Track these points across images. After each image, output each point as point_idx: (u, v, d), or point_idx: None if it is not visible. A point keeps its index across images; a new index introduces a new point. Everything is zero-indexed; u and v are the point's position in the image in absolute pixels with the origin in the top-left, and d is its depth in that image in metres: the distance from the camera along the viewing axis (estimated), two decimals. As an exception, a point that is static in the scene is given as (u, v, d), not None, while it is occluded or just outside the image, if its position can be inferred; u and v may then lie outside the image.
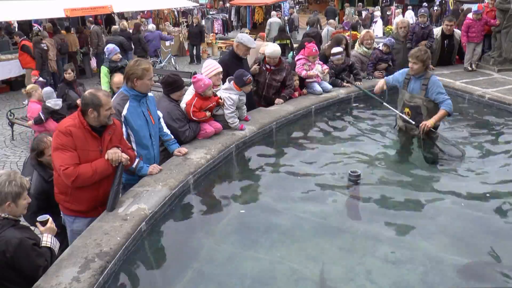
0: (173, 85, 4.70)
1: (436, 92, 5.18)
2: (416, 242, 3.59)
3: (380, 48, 7.52)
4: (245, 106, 5.41)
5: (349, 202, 4.25)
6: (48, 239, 2.98)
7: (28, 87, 7.88)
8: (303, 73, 6.55)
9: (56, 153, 3.33)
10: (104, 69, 7.49)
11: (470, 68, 8.25)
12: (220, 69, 5.19)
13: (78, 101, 7.44)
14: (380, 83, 5.79)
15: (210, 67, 5.17)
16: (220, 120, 5.11)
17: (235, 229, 3.79)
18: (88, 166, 3.36)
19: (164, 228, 3.63)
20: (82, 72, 14.57)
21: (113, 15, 17.12)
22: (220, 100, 4.98)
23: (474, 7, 8.49)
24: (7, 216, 2.91)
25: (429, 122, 5.06)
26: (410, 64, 5.18)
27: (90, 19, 14.99)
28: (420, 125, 5.07)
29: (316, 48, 6.62)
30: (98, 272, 2.81)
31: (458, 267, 3.29)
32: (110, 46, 8.03)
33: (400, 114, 5.44)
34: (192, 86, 4.99)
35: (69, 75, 7.71)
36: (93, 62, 14.67)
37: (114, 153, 3.48)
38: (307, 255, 3.46)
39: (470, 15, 8.31)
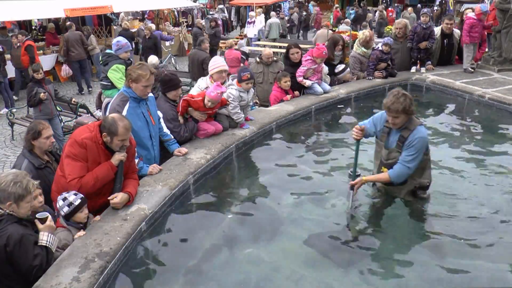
0: (168, 83, 4.69)
1: (410, 148, 3.73)
2: (416, 242, 3.59)
3: (380, 48, 7.54)
4: (249, 108, 5.43)
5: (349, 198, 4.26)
6: (44, 238, 2.96)
7: None
8: (299, 79, 6.50)
9: (67, 160, 3.40)
10: (121, 67, 6.55)
11: (471, 70, 8.11)
12: (225, 67, 5.17)
13: (42, 95, 7.46)
14: (356, 131, 4.01)
15: (215, 63, 5.19)
16: (220, 120, 5.11)
17: (235, 229, 3.78)
18: (89, 175, 3.39)
19: (164, 228, 3.63)
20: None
21: (110, 15, 17.11)
22: (227, 102, 5.02)
23: (483, 7, 8.16)
24: (12, 212, 2.92)
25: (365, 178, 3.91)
26: (390, 119, 3.77)
27: (69, 22, 13.19)
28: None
29: (327, 51, 6.48)
30: (98, 272, 2.81)
31: (457, 268, 3.29)
32: (122, 40, 6.86)
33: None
34: (198, 84, 5.10)
35: (40, 75, 7.72)
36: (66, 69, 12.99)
37: (119, 155, 3.51)
38: (307, 255, 3.46)
39: (471, 15, 8.05)
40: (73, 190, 3.30)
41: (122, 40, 6.88)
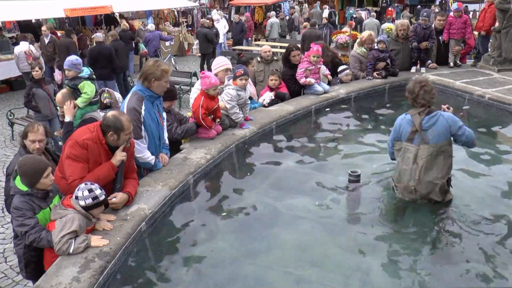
0: (167, 93, 4.50)
1: None
2: (416, 243, 3.58)
3: (376, 47, 7.55)
4: (248, 107, 5.42)
5: (350, 197, 4.28)
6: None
7: None
8: (302, 80, 6.52)
9: (68, 161, 3.38)
10: (91, 86, 5.43)
11: (452, 64, 8.44)
12: (229, 66, 5.33)
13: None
14: None
15: (220, 62, 5.37)
16: (222, 119, 5.11)
17: (235, 229, 3.79)
18: (90, 175, 3.37)
19: (164, 228, 3.63)
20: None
21: (113, 15, 17.11)
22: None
23: (454, 5, 8.72)
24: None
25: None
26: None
27: (44, 28, 12.11)
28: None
29: (318, 47, 6.55)
30: (98, 272, 2.81)
31: (457, 268, 3.29)
32: (77, 59, 5.71)
33: None
34: (196, 85, 5.06)
35: (37, 73, 7.25)
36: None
37: (120, 155, 3.51)
38: (307, 256, 3.46)
39: (451, 13, 8.57)
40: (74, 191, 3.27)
41: (77, 59, 5.93)
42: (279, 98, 6.39)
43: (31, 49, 11.27)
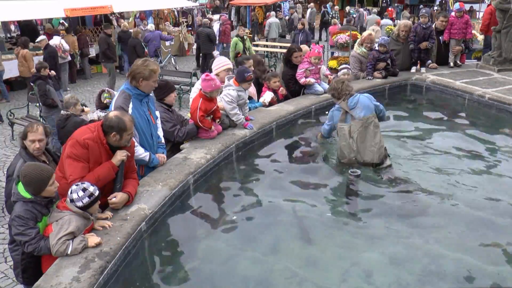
0: (166, 87, 4.69)
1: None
2: (415, 241, 3.59)
3: (377, 48, 7.54)
4: (247, 107, 5.42)
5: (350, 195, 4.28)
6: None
7: None
8: (302, 80, 6.53)
9: (68, 161, 3.37)
10: None
11: (452, 64, 8.42)
12: (230, 66, 5.36)
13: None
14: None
15: (221, 62, 5.40)
16: (222, 119, 5.10)
17: (234, 229, 3.79)
18: (91, 175, 3.36)
19: (164, 228, 3.63)
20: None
21: (111, 16, 17.11)
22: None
23: (456, 5, 8.72)
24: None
25: None
26: None
27: None
28: None
29: (320, 49, 6.56)
30: (98, 272, 2.81)
31: (457, 267, 3.29)
32: None
33: None
34: (196, 85, 5.05)
35: (46, 71, 7.50)
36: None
37: (121, 155, 3.51)
38: (306, 255, 3.46)
39: (452, 13, 8.57)
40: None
41: None
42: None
43: (62, 43, 12.65)
